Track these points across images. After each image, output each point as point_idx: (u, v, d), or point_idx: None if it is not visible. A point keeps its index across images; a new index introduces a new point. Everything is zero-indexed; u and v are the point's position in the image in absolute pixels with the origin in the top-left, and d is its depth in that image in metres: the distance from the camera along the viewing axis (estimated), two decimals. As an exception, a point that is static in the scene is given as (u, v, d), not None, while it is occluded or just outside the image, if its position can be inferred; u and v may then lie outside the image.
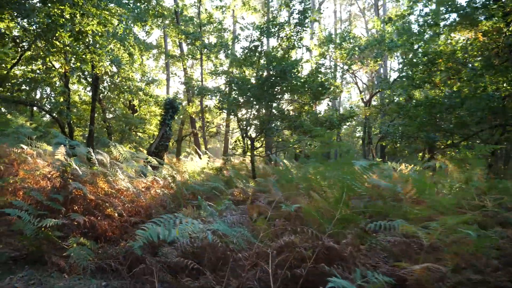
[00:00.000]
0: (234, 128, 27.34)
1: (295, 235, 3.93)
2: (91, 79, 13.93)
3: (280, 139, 14.94)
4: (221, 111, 12.70)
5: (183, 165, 12.18)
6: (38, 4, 7.76)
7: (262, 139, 14.11)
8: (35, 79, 13.98)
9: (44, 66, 14.12)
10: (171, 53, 25.04)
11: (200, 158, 14.40)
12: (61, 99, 13.46)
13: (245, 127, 12.10)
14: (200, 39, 19.65)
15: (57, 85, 14.54)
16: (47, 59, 11.55)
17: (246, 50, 11.84)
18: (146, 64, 22.84)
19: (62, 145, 5.49)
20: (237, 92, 11.43)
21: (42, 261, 4.61)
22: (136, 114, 20.20)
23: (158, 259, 4.08)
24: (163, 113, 12.46)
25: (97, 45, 9.22)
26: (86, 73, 14.68)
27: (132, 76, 15.67)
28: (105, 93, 18.22)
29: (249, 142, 12.00)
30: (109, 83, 17.58)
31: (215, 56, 21.62)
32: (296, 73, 11.11)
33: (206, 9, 23.54)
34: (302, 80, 11.39)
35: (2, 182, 5.58)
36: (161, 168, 8.49)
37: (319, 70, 12.79)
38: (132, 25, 13.36)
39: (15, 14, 7.50)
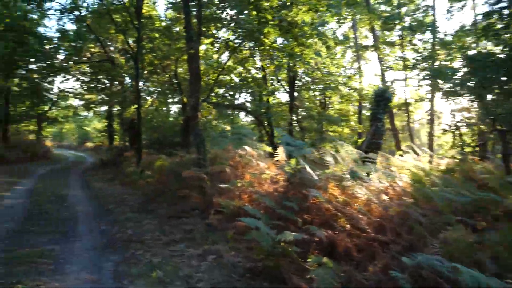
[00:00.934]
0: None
1: None
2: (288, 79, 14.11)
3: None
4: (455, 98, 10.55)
5: (401, 165, 10.62)
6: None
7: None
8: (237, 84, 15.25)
9: (247, 69, 15.20)
10: (361, 43, 23.55)
11: (418, 155, 12.45)
12: (267, 100, 14.06)
13: (491, 117, 9.59)
14: (402, 20, 17.56)
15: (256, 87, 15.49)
16: (247, 63, 12.19)
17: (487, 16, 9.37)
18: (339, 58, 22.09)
19: (289, 146, 5.06)
20: (479, 73, 9.14)
21: (279, 279, 4.21)
22: (332, 111, 19.72)
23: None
24: (373, 106, 11.17)
25: (306, 36, 8.99)
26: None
27: (332, 71, 15.26)
28: (300, 91, 18.39)
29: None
30: (305, 81, 17.64)
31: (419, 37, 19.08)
32: None
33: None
34: None
35: (231, 185, 5.78)
36: (375, 169, 7.29)
37: None
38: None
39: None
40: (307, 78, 17.43)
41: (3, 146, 20.06)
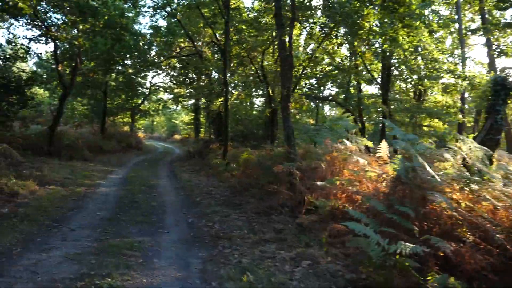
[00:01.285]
0: None
1: None
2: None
3: None
4: None
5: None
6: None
7: None
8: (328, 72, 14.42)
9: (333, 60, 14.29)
10: (467, 27, 20.94)
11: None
12: (360, 90, 13.07)
13: None
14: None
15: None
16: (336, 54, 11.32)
17: None
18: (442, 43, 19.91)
19: (398, 140, 4.32)
20: None
21: (391, 298, 3.53)
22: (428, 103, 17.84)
23: None
24: (490, 96, 9.65)
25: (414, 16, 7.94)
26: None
27: (439, 57, 13.66)
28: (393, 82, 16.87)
29: None
30: (400, 70, 16.14)
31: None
32: None
33: None
34: None
35: (329, 183, 5.21)
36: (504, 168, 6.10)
37: None
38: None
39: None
40: (401, 67, 15.97)
41: (101, 137, 21.80)
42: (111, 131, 24.78)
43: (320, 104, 22.16)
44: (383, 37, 8.19)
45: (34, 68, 23.27)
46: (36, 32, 14.60)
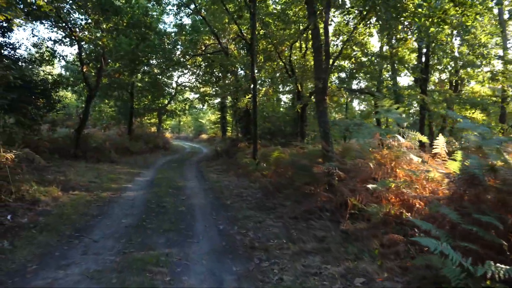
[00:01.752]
0: None
1: None
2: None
3: None
4: None
5: None
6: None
7: None
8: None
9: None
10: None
11: None
12: (394, 82, 12.12)
13: None
14: None
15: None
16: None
17: None
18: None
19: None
20: None
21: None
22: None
23: None
24: None
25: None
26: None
27: (487, 41, 12.50)
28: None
29: None
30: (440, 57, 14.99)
31: None
32: None
33: None
34: None
35: (381, 185, 4.49)
36: None
37: None
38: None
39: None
40: (440, 53, 14.80)
41: (128, 138, 21.69)
42: (138, 132, 24.68)
43: (349, 98, 21.13)
44: (430, 20, 7.30)
45: (62, 71, 23.41)
46: (60, 34, 14.42)
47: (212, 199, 8.59)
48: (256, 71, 13.50)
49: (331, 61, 15.91)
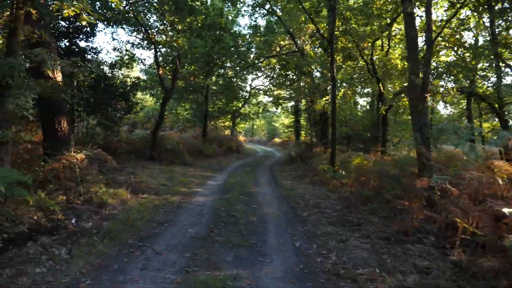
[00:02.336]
0: None
1: None
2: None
3: None
4: None
5: None
6: None
7: None
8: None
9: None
10: None
11: None
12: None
13: None
14: None
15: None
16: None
17: None
18: None
19: None
20: None
21: None
22: None
23: None
24: None
25: None
26: None
27: None
28: None
29: None
30: None
31: None
32: None
33: None
34: None
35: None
36: None
37: None
38: None
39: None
40: None
41: (202, 141, 21.80)
42: (212, 135, 24.80)
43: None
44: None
45: (141, 75, 24.28)
46: (138, 38, 14.72)
47: (286, 209, 7.78)
48: (334, 70, 12.47)
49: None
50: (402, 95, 16.53)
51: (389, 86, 18.63)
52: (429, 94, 5.93)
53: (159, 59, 15.50)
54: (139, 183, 8.77)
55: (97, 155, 7.76)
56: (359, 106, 27.15)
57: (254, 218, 6.80)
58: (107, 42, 35.51)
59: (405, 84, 17.14)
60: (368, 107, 26.25)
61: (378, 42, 17.33)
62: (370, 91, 21.51)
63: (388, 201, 6.63)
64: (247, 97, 30.53)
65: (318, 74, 20.62)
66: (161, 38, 14.18)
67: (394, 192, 6.45)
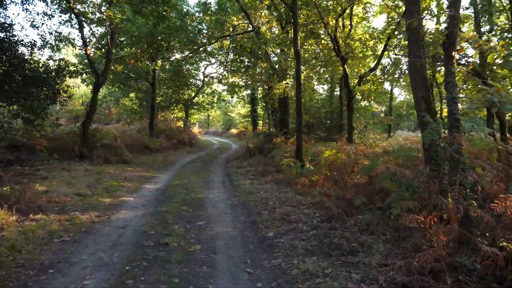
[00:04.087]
0: None
1: None
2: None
3: None
4: None
5: None
6: None
7: None
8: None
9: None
10: None
11: None
12: None
13: None
14: None
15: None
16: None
17: None
18: None
19: None
20: None
21: None
22: None
23: None
24: None
25: None
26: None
27: None
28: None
29: None
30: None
31: None
32: None
33: None
34: None
35: None
36: None
37: None
38: None
39: None
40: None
41: (148, 134, 19.08)
42: (162, 127, 22.00)
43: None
44: None
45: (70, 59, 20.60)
46: (52, 7, 11.72)
47: (244, 225, 5.57)
48: (298, 44, 10.38)
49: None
50: (368, 77, 14.88)
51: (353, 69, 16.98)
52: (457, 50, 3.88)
53: (86, 36, 12.62)
54: (37, 195, 6.16)
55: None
56: (317, 94, 25.45)
57: (197, 247, 4.53)
58: (24, 18, 29.77)
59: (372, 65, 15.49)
60: (327, 94, 24.65)
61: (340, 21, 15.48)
62: (329, 76, 19.79)
63: (387, 214, 4.59)
64: (200, 86, 27.88)
65: (275, 58, 18.53)
66: (85, 9, 11.35)
67: (397, 200, 4.41)
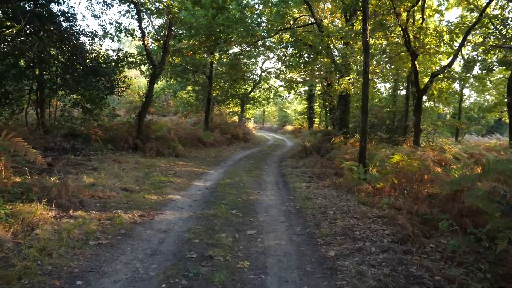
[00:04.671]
0: None
1: None
2: None
3: None
4: None
5: None
6: None
7: None
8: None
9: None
10: None
11: None
12: None
13: None
14: None
15: None
16: None
17: None
18: None
19: None
20: None
21: None
22: None
23: None
24: None
25: None
26: None
27: None
28: None
29: None
30: None
31: None
32: None
33: None
34: None
35: None
36: None
37: None
38: None
39: None
40: None
41: (203, 127, 18.86)
42: (217, 121, 21.76)
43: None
44: None
45: (130, 50, 20.91)
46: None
47: (300, 239, 4.81)
48: (368, 35, 9.34)
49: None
50: (446, 75, 13.34)
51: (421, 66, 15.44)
52: None
53: (144, 27, 12.49)
54: (82, 188, 5.84)
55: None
56: (379, 93, 23.85)
57: (246, 263, 3.86)
58: (86, 8, 30.61)
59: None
60: (389, 92, 23.04)
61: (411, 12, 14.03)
62: (393, 73, 18.25)
63: (484, 241, 3.62)
64: (257, 80, 27.36)
65: (337, 53, 17.41)
66: (144, -1, 11.15)
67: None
